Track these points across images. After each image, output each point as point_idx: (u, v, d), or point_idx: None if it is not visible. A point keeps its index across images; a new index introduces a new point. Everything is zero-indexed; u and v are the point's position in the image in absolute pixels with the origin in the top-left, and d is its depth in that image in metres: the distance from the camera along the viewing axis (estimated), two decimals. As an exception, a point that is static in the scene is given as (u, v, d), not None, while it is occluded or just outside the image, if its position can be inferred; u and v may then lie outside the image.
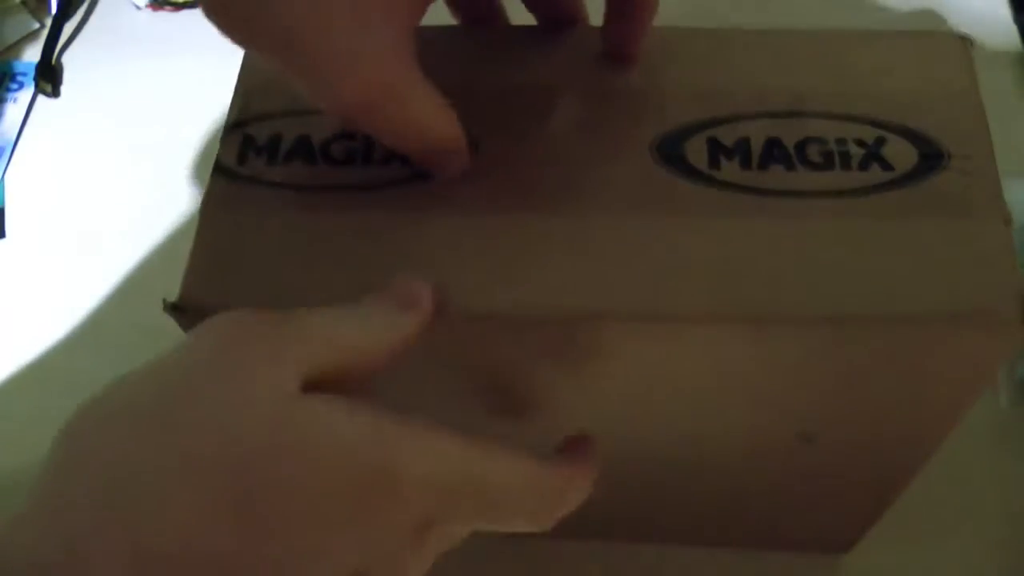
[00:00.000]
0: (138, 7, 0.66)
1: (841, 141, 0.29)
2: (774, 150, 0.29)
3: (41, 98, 0.63)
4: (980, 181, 0.29)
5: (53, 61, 0.64)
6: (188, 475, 0.22)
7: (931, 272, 0.27)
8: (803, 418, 0.33)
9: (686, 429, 0.33)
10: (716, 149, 0.29)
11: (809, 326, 0.27)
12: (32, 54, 0.65)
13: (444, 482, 0.24)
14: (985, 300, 0.26)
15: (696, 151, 0.30)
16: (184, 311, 0.28)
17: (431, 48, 0.28)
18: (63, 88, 0.63)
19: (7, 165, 0.60)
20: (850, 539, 0.43)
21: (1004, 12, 0.60)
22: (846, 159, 0.29)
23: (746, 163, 0.29)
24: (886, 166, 0.29)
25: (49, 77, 0.63)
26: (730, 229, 0.28)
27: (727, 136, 0.30)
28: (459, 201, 0.29)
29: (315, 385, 0.24)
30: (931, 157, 0.29)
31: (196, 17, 0.68)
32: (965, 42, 0.31)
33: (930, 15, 0.61)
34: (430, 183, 0.30)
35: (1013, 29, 0.59)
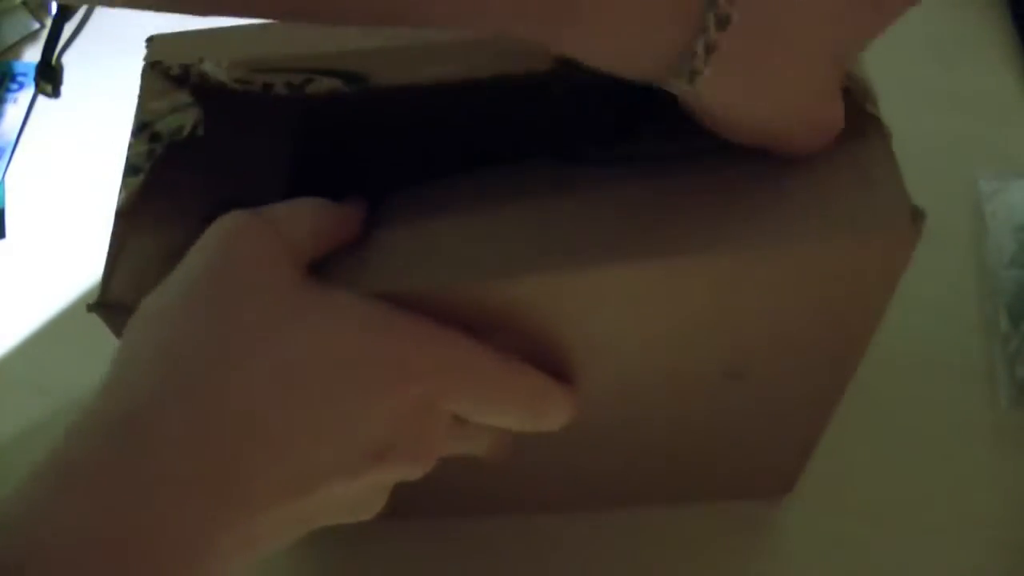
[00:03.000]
0: (138, 7, 0.66)
1: None
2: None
3: (41, 98, 0.63)
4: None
5: (53, 61, 0.64)
6: (228, 351, 0.24)
7: (825, 199, 0.28)
8: (727, 355, 0.33)
9: (613, 384, 0.34)
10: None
11: (715, 260, 0.28)
12: (32, 54, 0.65)
13: (449, 365, 0.27)
14: (876, 217, 0.27)
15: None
16: (110, 309, 0.29)
17: None
18: (63, 88, 0.63)
19: (7, 165, 0.60)
20: (789, 479, 0.43)
21: (1004, 12, 0.60)
22: None
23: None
24: None
25: (49, 77, 0.63)
26: (632, 186, 0.29)
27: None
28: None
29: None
30: None
31: (196, 17, 0.68)
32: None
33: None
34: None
35: (1013, 29, 0.60)
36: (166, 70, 0.33)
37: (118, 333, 0.29)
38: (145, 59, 0.33)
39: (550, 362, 0.32)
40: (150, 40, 0.34)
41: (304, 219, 0.28)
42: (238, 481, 0.24)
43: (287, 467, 0.25)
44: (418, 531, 0.45)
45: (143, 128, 0.32)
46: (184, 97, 0.32)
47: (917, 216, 0.27)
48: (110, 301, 0.29)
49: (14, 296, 0.55)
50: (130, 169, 0.32)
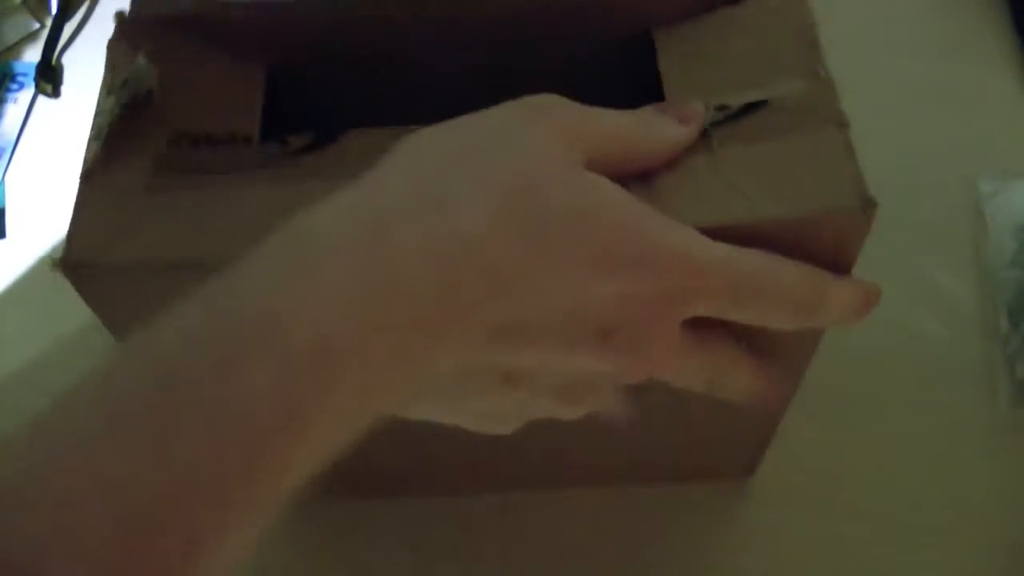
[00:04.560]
0: (138, 7, 0.66)
1: None
2: None
3: (41, 98, 0.63)
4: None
5: (53, 61, 0.64)
6: (490, 194, 0.25)
7: (777, 183, 0.29)
8: None
9: None
10: None
11: None
12: (32, 54, 0.65)
13: (706, 265, 0.27)
14: (826, 200, 0.29)
15: None
16: (74, 267, 0.30)
17: None
18: (63, 88, 0.63)
19: (7, 165, 0.60)
20: (751, 461, 0.44)
21: (1004, 12, 0.60)
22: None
23: None
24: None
25: (49, 77, 0.63)
26: None
27: None
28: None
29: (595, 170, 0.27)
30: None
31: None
32: None
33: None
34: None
35: (1013, 29, 0.60)
36: (131, 36, 0.34)
37: (83, 292, 0.30)
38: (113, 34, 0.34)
39: None
40: (119, 14, 0.34)
41: (617, 142, 0.28)
42: (452, 304, 0.24)
43: (500, 310, 0.25)
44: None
45: (108, 95, 0.33)
46: (141, 61, 0.33)
47: (868, 204, 0.28)
48: (73, 259, 0.30)
49: (14, 296, 0.55)
50: (93, 136, 0.32)
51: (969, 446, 0.46)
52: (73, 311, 0.55)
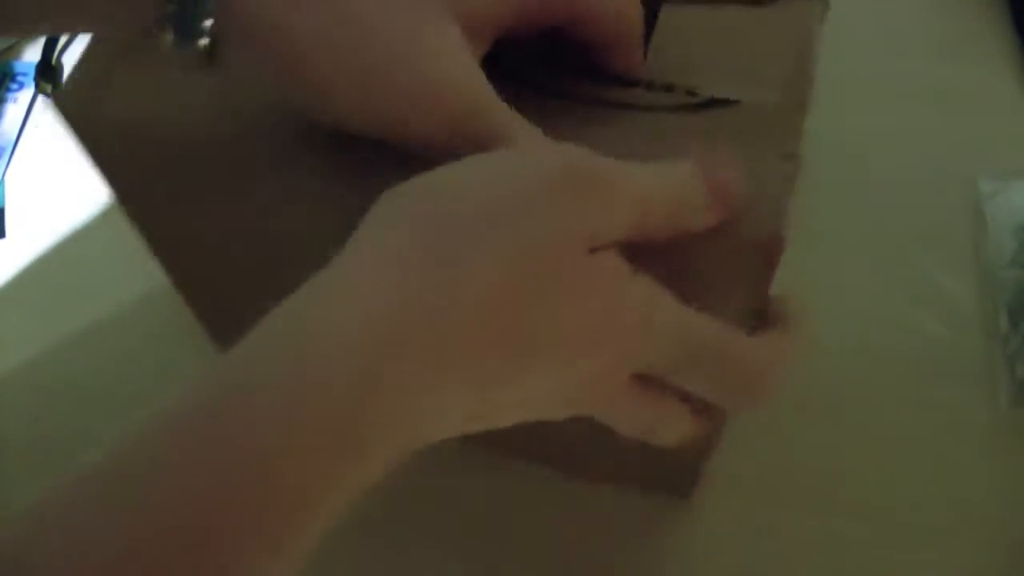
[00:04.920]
0: (138, 7, 0.66)
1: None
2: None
3: (41, 98, 0.63)
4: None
5: (53, 61, 0.64)
6: (495, 247, 0.26)
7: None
8: None
9: None
10: None
11: None
12: (32, 54, 0.65)
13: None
14: (749, 227, 0.30)
15: None
16: (64, 98, 0.31)
17: None
18: (63, 88, 0.63)
19: (7, 165, 0.60)
20: (689, 480, 0.44)
21: (1004, 12, 0.60)
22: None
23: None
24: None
25: (49, 77, 0.63)
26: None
27: None
28: None
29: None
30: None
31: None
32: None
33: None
34: None
35: (1013, 29, 0.60)
36: None
37: (69, 124, 0.31)
38: None
39: None
40: None
41: (646, 206, 0.29)
42: (473, 354, 0.26)
43: (528, 346, 0.26)
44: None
45: None
46: None
47: (774, 240, 0.30)
48: (67, 90, 0.31)
49: (14, 296, 0.55)
50: None
51: (969, 446, 0.46)
52: (73, 311, 0.55)
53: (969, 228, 0.52)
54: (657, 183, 0.28)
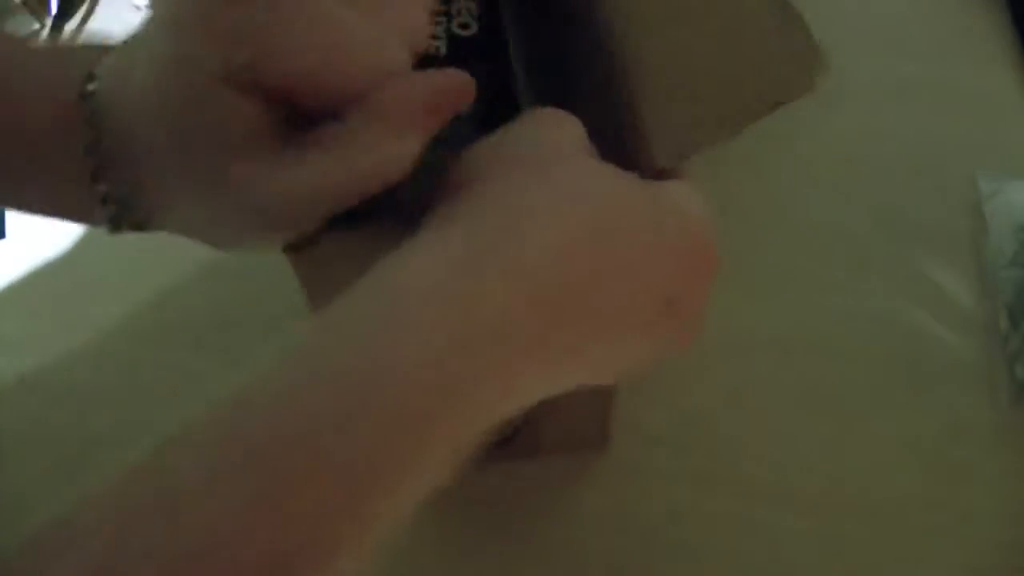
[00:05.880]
0: (138, 7, 0.66)
1: None
2: None
3: (41, 98, 0.63)
4: None
5: (53, 61, 0.64)
6: (561, 213, 0.27)
7: None
8: None
9: None
10: None
11: None
12: (32, 54, 0.65)
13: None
14: None
15: None
16: None
17: None
18: (63, 88, 0.63)
19: (7, 165, 0.60)
20: (602, 430, 0.46)
21: (1004, 12, 0.60)
22: None
23: None
24: None
25: (49, 77, 0.63)
26: None
27: None
28: None
29: None
30: None
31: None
32: None
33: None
34: None
35: (1013, 29, 0.60)
36: None
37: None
38: None
39: None
40: None
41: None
42: (543, 338, 0.26)
43: (585, 332, 0.27)
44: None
45: None
46: None
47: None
48: None
49: (14, 296, 0.55)
50: None
51: (969, 446, 0.46)
52: (73, 311, 0.55)
53: (969, 228, 0.52)
54: None
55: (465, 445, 0.25)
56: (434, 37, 0.36)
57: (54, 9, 0.65)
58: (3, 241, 0.57)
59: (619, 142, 0.33)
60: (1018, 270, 0.49)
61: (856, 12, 0.62)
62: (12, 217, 0.58)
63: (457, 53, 0.36)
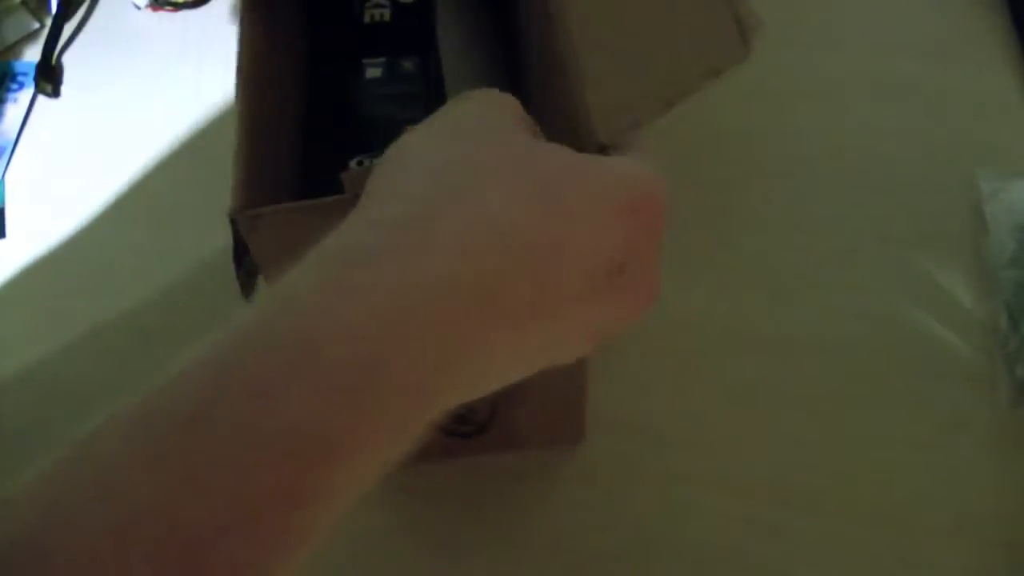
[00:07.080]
0: (138, 7, 0.66)
1: None
2: None
3: (41, 98, 0.63)
4: None
5: (53, 61, 0.64)
6: (501, 175, 0.27)
7: None
8: None
9: None
10: None
11: None
12: (32, 54, 0.65)
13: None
14: None
15: None
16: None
17: None
18: (63, 88, 0.63)
19: (7, 165, 0.60)
20: (577, 427, 0.46)
21: (1004, 12, 0.60)
22: None
23: None
24: None
25: (49, 77, 0.63)
26: None
27: None
28: None
29: None
30: None
31: (196, 17, 0.68)
32: None
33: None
34: None
35: (1013, 29, 0.60)
36: None
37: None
38: None
39: None
40: None
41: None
42: (494, 292, 0.25)
43: (538, 286, 0.26)
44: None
45: None
46: None
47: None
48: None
49: (14, 296, 0.55)
50: None
51: (969, 446, 0.46)
52: (73, 311, 0.55)
53: (969, 228, 0.52)
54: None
55: (416, 417, 0.24)
56: (380, 5, 0.36)
57: (54, 9, 0.65)
58: (3, 241, 0.57)
59: (564, 122, 0.32)
60: (1018, 270, 0.49)
61: (856, 12, 0.62)
62: (12, 217, 0.58)
63: (400, 21, 0.36)
